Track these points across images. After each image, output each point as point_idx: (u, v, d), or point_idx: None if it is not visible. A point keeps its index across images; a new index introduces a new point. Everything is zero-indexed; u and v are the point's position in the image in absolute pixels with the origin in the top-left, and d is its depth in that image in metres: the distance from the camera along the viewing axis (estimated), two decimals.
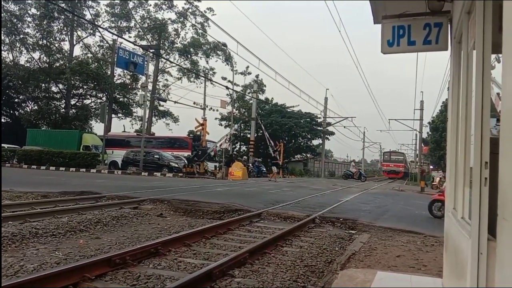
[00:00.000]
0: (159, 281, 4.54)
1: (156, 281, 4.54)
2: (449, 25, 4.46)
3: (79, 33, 41.93)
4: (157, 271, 4.93)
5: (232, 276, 4.84)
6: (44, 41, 40.36)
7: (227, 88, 35.77)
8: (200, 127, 30.28)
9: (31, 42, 40.44)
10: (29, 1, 39.19)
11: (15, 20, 39.02)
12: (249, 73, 48.05)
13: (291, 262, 5.69)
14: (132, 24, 43.07)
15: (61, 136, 33.85)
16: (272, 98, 51.64)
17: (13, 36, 39.94)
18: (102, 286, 4.34)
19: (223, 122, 48.86)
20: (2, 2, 37.62)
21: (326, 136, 48.44)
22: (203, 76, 39.80)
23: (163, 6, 42.06)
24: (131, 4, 42.01)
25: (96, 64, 40.05)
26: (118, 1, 41.43)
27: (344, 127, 49.46)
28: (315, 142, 51.60)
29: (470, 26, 3.22)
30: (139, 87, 39.83)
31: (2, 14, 38.04)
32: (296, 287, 4.67)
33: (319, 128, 48.71)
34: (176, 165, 28.51)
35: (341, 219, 9.47)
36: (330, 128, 48.89)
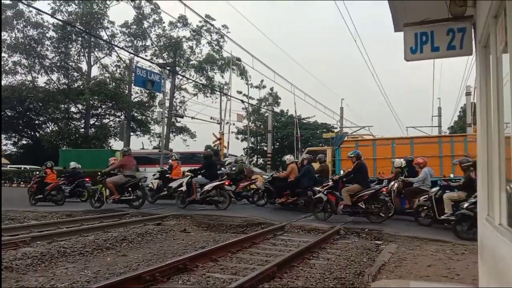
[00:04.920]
0: None
1: None
2: (472, 30, 4.43)
3: (96, 54, 42.73)
4: (187, 287, 4.92)
5: None
6: (62, 63, 41.21)
7: (243, 102, 35.88)
8: (218, 142, 30.36)
9: (49, 64, 41.31)
10: (48, 25, 40.09)
11: (34, 44, 39.93)
12: (264, 87, 48.27)
13: (320, 274, 5.62)
14: (148, 43, 43.76)
15: (95, 156, 33.91)
16: (288, 110, 51.60)
17: (33, 60, 40.87)
18: None
19: (240, 136, 49.04)
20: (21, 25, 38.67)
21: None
22: (218, 91, 40.03)
23: (178, 24, 42.69)
24: (146, 24, 42.74)
25: (113, 83, 40.66)
26: (133, 21, 42.16)
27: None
28: None
29: (498, 30, 3.19)
30: (157, 104, 40.25)
31: (20, 40, 39.12)
32: None
33: None
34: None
35: (366, 230, 9.35)
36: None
